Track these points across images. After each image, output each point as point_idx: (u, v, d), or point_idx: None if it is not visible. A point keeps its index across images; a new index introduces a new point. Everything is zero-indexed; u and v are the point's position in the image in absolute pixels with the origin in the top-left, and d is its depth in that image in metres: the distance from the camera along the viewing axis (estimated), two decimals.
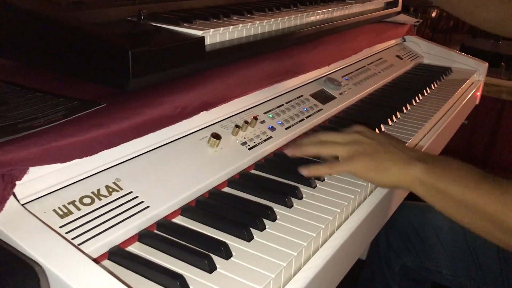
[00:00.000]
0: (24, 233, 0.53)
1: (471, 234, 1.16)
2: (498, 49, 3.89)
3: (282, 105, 1.03)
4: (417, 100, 1.29)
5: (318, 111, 1.09)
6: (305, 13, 1.07)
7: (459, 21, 6.48)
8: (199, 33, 0.78)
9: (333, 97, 1.16)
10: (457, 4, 1.28)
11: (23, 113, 0.63)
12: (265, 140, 0.91)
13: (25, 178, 0.58)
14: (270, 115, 0.98)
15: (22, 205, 0.57)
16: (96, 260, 0.58)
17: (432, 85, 1.42)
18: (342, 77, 1.27)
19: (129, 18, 0.83)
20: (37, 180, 0.59)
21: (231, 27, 0.85)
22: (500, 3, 1.22)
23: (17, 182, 0.56)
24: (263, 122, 0.95)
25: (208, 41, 0.81)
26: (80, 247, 0.57)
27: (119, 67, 0.66)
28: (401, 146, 0.82)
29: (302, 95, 1.10)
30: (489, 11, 1.24)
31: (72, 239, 0.57)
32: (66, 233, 0.58)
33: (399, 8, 1.55)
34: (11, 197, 0.56)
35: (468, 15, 1.29)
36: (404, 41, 1.70)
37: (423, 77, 1.49)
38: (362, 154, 0.78)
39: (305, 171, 0.80)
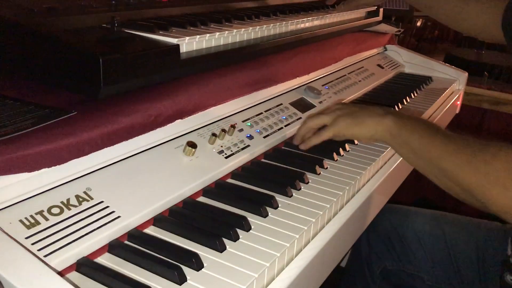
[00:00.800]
0: None
1: (451, 240, 1.16)
2: (481, 59, 3.93)
3: (261, 113, 1.03)
4: (397, 109, 1.29)
5: (298, 119, 1.08)
6: (284, 22, 1.07)
7: (444, 30, 6.56)
8: (174, 40, 0.78)
9: (313, 106, 1.16)
10: (440, 10, 1.29)
11: None
12: (242, 149, 0.90)
13: None
14: (249, 124, 0.98)
15: None
16: (62, 273, 0.57)
17: (412, 94, 1.43)
18: (322, 85, 1.27)
19: (104, 25, 0.82)
20: (3, 189, 0.58)
21: (208, 35, 0.85)
22: (481, 8, 1.22)
23: None
24: (241, 130, 0.95)
25: (184, 49, 0.81)
26: (46, 258, 0.55)
27: (90, 75, 0.65)
28: (376, 106, 0.94)
29: (281, 104, 1.10)
30: (471, 17, 1.25)
31: (38, 250, 0.56)
32: (32, 244, 0.56)
33: (380, 18, 1.56)
34: None
35: (451, 21, 1.30)
36: (386, 50, 1.71)
37: (403, 86, 1.50)
38: (342, 116, 0.92)
39: (302, 146, 0.97)
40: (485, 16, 1.20)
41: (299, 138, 0.99)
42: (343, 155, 0.99)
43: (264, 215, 0.74)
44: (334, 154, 0.97)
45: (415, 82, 1.54)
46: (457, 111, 1.64)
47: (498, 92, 2.02)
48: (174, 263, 0.61)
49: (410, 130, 0.84)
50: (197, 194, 0.79)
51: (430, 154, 0.80)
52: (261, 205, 0.75)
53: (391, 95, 1.39)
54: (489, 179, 0.70)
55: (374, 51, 1.63)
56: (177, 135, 0.83)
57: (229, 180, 0.85)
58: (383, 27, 1.63)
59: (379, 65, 1.59)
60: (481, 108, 2.03)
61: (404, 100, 1.36)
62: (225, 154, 0.87)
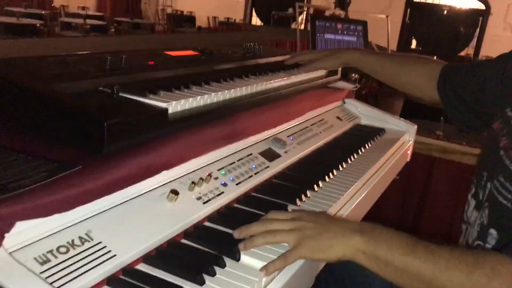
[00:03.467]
0: (13, 279, 0.63)
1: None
2: (439, 103, 4.19)
3: (234, 162, 1.17)
4: (352, 159, 1.46)
5: (266, 168, 1.23)
6: (255, 84, 1.24)
7: None
8: (163, 105, 0.92)
9: (279, 155, 1.31)
10: (383, 75, 1.50)
11: (10, 174, 0.74)
12: (218, 195, 1.03)
13: (12, 230, 0.68)
14: (223, 172, 1.11)
15: (9, 253, 0.67)
16: None
17: (367, 144, 1.60)
18: (287, 136, 1.42)
19: (101, 88, 0.95)
20: (22, 232, 0.70)
21: (191, 98, 1.00)
22: (418, 73, 1.43)
23: (5, 234, 0.67)
24: (216, 178, 1.08)
25: (170, 111, 0.95)
26: None
27: (95, 135, 0.79)
28: (339, 221, 0.93)
29: (251, 153, 1.24)
30: (410, 81, 1.46)
31: (50, 284, 0.68)
32: (46, 278, 0.68)
33: (338, 76, 1.75)
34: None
35: (393, 84, 1.51)
36: (344, 103, 1.89)
37: (359, 137, 1.67)
38: (306, 239, 0.86)
39: (264, 272, 0.82)
40: (422, 80, 1.40)
41: (249, 246, 0.87)
42: (308, 198, 1.14)
43: (237, 255, 0.87)
44: (300, 198, 1.12)
45: (370, 133, 1.72)
46: (408, 159, 1.82)
47: (445, 142, 2.24)
48: None
49: (387, 248, 0.81)
50: (179, 235, 0.91)
51: (419, 273, 0.78)
52: (235, 245, 0.88)
53: (348, 146, 1.55)
54: None
55: (333, 104, 1.81)
56: (162, 184, 0.96)
57: (206, 223, 0.98)
58: (342, 84, 1.82)
59: (338, 117, 1.77)
60: (430, 156, 2.24)
61: (359, 150, 1.53)
62: (203, 200, 1.00)
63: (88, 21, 7.73)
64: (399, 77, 1.48)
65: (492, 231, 0.99)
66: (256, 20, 12.75)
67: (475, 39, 9.92)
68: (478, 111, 1.23)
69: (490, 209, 1.01)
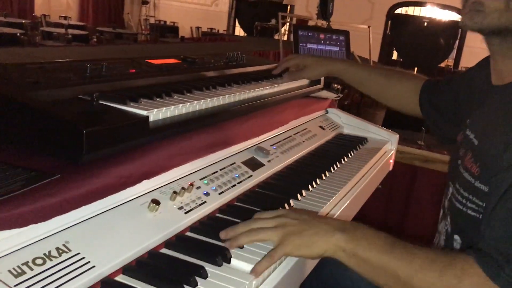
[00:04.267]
0: None
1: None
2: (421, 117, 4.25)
3: (217, 171, 1.16)
4: (335, 168, 1.46)
5: (249, 177, 1.22)
6: (238, 93, 1.23)
7: None
8: (144, 112, 0.91)
9: (262, 165, 1.30)
10: (368, 88, 1.52)
11: None
12: (200, 205, 1.02)
13: None
14: (205, 181, 1.10)
15: None
16: None
17: (349, 153, 1.61)
18: (271, 146, 1.42)
19: (81, 96, 0.93)
20: None
21: (172, 106, 0.98)
22: (402, 87, 1.46)
23: None
24: (198, 188, 1.07)
25: (151, 119, 0.94)
26: None
27: (73, 143, 0.77)
28: (322, 219, 0.95)
29: (234, 163, 1.23)
30: (394, 94, 1.48)
31: None
32: None
33: (321, 86, 1.76)
34: None
35: (378, 97, 1.54)
36: (327, 113, 1.90)
37: (342, 146, 1.68)
38: (291, 235, 0.88)
39: (253, 272, 0.84)
40: (406, 94, 1.43)
41: (234, 244, 0.90)
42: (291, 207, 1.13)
43: (219, 264, 0.86)
44: (283, 207, 1.11)
45: (353, 142, 1.73)
46: (390, 168, 1.83)
47: (427, 151, 2.26)
48: None
49: (366, 246, 0.84)
50: (160, 246, 0.89)
51: (395, 272, 0.81)
52: (216, 256, 0.87)
53: (331, 155, 1.56)
54: None
55: (316, 114, 1.81)
56: (143, 193, 0.95)
57: (188, 233, 0.96)
58: (325, 94, 1.83)
59: (321, 127, 1.77)
60: (413, 165, 2.26)
61: (342, 159, 1.53)
62: (185, 209, 0.98)
63: (70, 30, 7.66)
64: (384, 91, 1.51)
65: (456, 237, 1.02)
66: (239, 31, 12.80)
67: (454, 51, 10.13)
68: (455, 124, 1.25)
69: (451, 216, 1.04)
